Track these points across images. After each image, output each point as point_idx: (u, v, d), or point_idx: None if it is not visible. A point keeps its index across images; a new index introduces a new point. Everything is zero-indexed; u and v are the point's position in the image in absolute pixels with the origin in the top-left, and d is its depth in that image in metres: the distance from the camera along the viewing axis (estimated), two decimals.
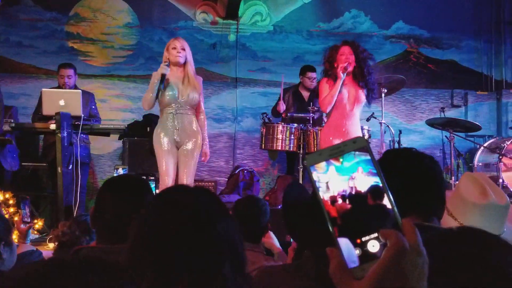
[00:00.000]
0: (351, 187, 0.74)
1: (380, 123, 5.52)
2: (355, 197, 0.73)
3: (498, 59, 7.76)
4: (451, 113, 7.18)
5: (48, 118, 4.97)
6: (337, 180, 0.73)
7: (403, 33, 7.63)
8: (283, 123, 5.53)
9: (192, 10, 7.30)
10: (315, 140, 5.39)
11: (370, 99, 4.55)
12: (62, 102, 4.80)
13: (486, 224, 1.67)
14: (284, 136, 5.40)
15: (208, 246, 1.02)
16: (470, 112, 7.57)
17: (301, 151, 5.40)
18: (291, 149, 5.48)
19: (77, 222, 2.53)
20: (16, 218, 3.06)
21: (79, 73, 6.07)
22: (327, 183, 0.74)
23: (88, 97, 5.66)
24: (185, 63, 4.52)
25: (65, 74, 5.71)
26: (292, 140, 5.41)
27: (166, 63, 4.43)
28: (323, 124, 5.04)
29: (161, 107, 4.55)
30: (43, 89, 5.24)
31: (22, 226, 2.64)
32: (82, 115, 4.85)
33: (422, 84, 7.62)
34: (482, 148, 6.09)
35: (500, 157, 5.68)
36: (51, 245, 4.48)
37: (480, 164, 6.06)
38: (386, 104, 5.97)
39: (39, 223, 4.04)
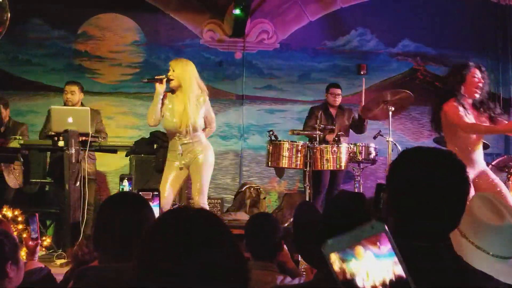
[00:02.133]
0: (392, 274, 0.70)
1: (388, 141, 5.51)
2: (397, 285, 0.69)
3: (505, 77, 7.75)
4: None
5: (56, 135, 4.98)
6: (375, 266, 0.70)
7: (410, 51, 7.65)
8: (290, 141, 5.51)
9: (199, 28, 7.35)
10: (322, 158, 5.37)
11: None
12: (70, 120, 4.82)
13: (503, 245, 1.64)
14: (290, 154, 5.39)
15: (199, 270, 1.01)
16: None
17: (307, 169, 5.38)
18: (298, 167, 5.47)
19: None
20: (24, 235, 3.06)
21: (86, 90, 6.10)
22: (365, 271, 0.71)
23: (94, 115, 5.68)
24: (181, 86, 4.42)
25: (68, 90, 5.73)
26: (298, 158, 5.40)
27: (165, 78, 4.41)
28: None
29: (167, 133, 4.59)
30: (52, 107, 5.27)
31: (30, 243, 2.64)
32: (90, 132, 4.87)
33: (429, 102, 7.59)
34: (490, 166, 6.06)
35: (509, 175, 5.66)
36: (59, 262, 4.48)
37: None
38: (393, 122, 5.95)
39: (47, 240, 4.04)
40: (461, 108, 4.02)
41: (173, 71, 4.42)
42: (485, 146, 6.07)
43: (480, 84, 4.09)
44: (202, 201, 4.47)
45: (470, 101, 4.14)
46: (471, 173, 4.11)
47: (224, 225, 1.12)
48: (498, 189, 4.09)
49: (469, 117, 4.04)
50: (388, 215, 1.43)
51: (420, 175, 1.38)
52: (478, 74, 4.11)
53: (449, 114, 4.05)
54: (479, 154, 4.16)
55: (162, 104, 4.46)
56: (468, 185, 1.41)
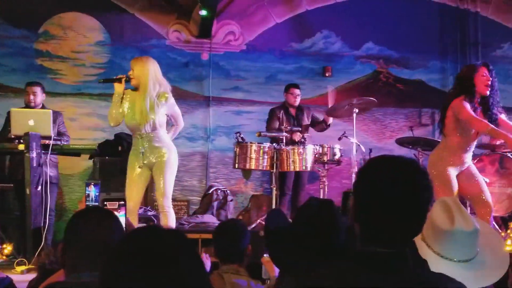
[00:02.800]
0: None
1: (352, 142, 5.59)
2: None
3: None
4: (419, 132, 7.34)
5: (16, 138, 4.86)
6: None
7: (373, 54, 7.77)
8: (257, 143, 5.53)
9: (165, 29, 7.28)
10: (288, 159, 5.41)
11: None
12: (31, 122, 4.72)
13: (454, 249, 1.71)
14: (258, 155, 5.41)
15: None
16: (438, 131, 7.71)
17: (274, 170, 5.41)
18: (265, 168, 5.50)
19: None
20: None
21: (48, 91, 5.97)
22: None
23: (56, 116, 5.57)
24: (140, 84, 4.39)
25: (30, 91, 5.60)
26: (265, 159, 5.42)
27: (124, 78, 4.40)
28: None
29: (130, 130, 4.57)
30: (12, 109, 5.14)
31: None
32: (52, 135, 4.76)
33: (392, 104, 7.75)
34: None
35: None
36: (19, 269, 4.36)
37: None
38: (357, 123, 6.05)
39: (7, 248, 3.92)
40: (468, 105, 4.24)
41: (133, 70, 4.40)
42: None
43: (489, 82, 4.31)
44: (166, 203, 4.43)
45: (478, 100, 4.34)
46: (457, 170, 4.37)
47: (191, 246, 1.10)
48: (478, 190, 4.39)
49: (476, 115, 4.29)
50: (354, 222, 1.46)
51: (384, 182, 1.41)
52: (486, 72, 4.33)
53: (458, 109, 4.26)
54: (470, 153, 4.44)
55: (123, 102, 4.43)
56: (430, 192, 1.45)
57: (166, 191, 4.42)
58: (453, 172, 4.35)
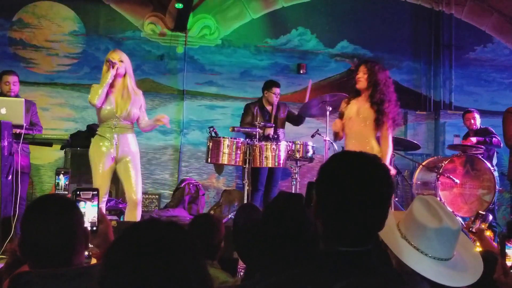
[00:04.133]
0: None
1: (325, 140, 5.65)
2: None
3: (437, 80, 8.10)
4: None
5: None
6: None
7: (348, 52, 7.85)
8: (230, 138, 5.55)
9: (140, 21, 7.24)
10: (261, 155, 5.44)
11: None
12: (3, 111, 4.64)
13: (440, 247, 1.70)
14: (230, 150, 5.42)
15: (175, 283, 1.01)
16: (410, 131, 7.85)
17: (247, 166, 5.44)
18: (237, 163, 5.51)
19: None
20: None
21: (21, 80, 5.89)
22: None
23: (29, 106, 5.51)
24: (124, 76, 4.51)
25: (10, 81, 5.56)
26: (238, 155, 5.44)
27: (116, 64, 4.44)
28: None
29: (99, 121, 4.54)
30: None
31: None
32: (24, 124, 4.71)
33: None
34: (421, 166, 6.32)
35: (438, 176, 5.91)
36: None
37: (419, 182, 6.27)
38: (330, 121, 6.10)
39: None
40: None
41: (121, 61, 4.47)
42: (416, 147, 6.37)
43: None
44: (139, 200, 4.49)
45: None
46: None
47: (192, 240, 1.10)
48: None
49: None
50: (317, 218, 1.46)
51: (346, 179, 1.41)
52: None
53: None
54: None
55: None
56: (392, 189, 1.47)
57: (137, 188, 4.51)
58: None
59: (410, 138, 7.22)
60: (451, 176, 5.89)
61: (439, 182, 5.91)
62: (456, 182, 5.91)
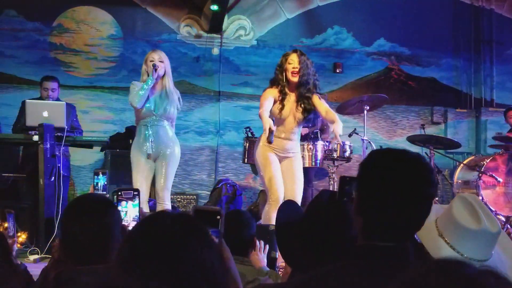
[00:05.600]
0: None
1: (362, 139, 5.58)
2: None
3: (477, 77, 7.91)
4: (431, 130, 7.29)
5: (29, 129, 4.92)
6: None
7: (385, 50, 7.74)
8: None
9: (176, 23, 7.31)
10: None
11: None
12: (45, 114, 4.77)
13: (477, 249, 1.67)
14: None
15: (182, 273, 1.03)
16: (450, 129, 7.69)
17: None
18: None
19: None
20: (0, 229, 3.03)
21: (61, 84, 6.03)
22: None
23: (70, 109, 5.62)
24: (163, 76, 4.57)
25: (49, 87, 5.67)
26: None
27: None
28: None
29: (137, 120, 4.61)
30: (27, 100, 5.19)
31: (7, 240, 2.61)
32: (66, 127, 4.82)
33: (403, 101, 7.72)
34: (461, 165, 6.19)
35: (480, 174, 5.77)
36: (32, 258, 4.43)
37: (460, 181, 6.13)
38: (367, 120, 6.04)
39: (22, 236, 4.01)
40: None
41: (162, 62, 4.54)
42: (457, 145, 6.23)
43: None
44: (166, 196, 4.55)
45: None
46: None
47: (203, 230, 1.13)
48: None
49: None
50: (357, 215, 1.45)
51: (389, 177, 1.40)
52: None
53: None
54: None
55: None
56: (435, 188, 1.44)
57: (167, 185, 4.59)
58: None
59: (450, 136, 7.07)
60: (493, 175, 5.75)
61: (481, 181, 5.77)
62: (499, 181, 5.76)
